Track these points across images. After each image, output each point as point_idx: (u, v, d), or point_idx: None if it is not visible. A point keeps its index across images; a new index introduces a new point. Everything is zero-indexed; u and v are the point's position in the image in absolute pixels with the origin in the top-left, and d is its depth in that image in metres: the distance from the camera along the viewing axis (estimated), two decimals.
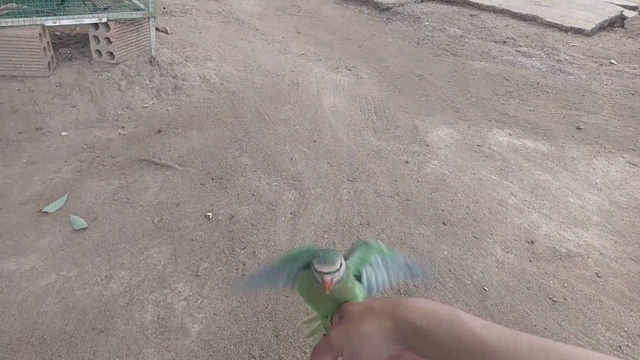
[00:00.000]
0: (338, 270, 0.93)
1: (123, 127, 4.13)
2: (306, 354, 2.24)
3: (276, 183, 3.52)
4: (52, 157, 3.62)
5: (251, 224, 3.09)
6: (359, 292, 0.96)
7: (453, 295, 2.64)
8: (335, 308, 0.92)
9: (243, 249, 2.88)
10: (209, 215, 3.13)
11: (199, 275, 2.67)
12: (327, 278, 0.89)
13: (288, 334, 2.34)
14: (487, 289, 2.71)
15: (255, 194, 3.39)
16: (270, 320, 2.41)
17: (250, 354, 2.23)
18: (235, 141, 4.05)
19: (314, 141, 4.13)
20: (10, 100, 3.90)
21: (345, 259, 0.99)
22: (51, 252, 2.76)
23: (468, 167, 3.90)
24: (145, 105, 4.52)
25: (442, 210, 3.32)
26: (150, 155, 3.73)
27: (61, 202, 3.15)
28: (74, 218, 3.00)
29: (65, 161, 3.60)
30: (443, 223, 3.20)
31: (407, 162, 3.88)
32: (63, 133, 3.95)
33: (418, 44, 6.96)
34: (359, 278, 1.00)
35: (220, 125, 4.29)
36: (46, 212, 3.05)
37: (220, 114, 4.47)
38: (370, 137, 4.25)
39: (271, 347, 2.27)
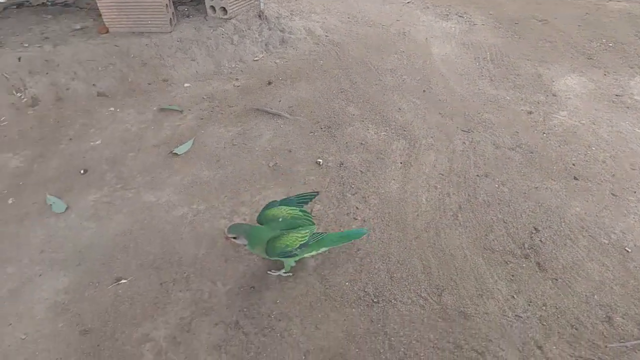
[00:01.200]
0: (236, 238, 2.26)
1: (237, 79, 4.34)
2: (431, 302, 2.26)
3: (384, 133, 3.50)
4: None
5: (360, 171, 3.13)
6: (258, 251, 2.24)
7: (587, 254, 2.47)
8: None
9: (354, 194, 2.93)
10: (319, 162, 3.22)
11: (313, 216, 2.78)
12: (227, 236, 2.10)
13: (402, 276, 2.38)
14: (630, 250, 2.49)
15: (363, 143, 3.40)
16: (383, 263, 2.46)
17: (365, 292, 2.31)
18: (342, 92, 4.06)
19: (423, 91, 3.99)
20: (140, 55, 4.27)
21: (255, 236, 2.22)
22: (183, 188, 3.05)
23: (604, 118, 3.53)
24: (256, 59, 4.68)
25: (574, 165, 3.07)
26: (262, 105, 3.89)
27: (188, 145, 3.45)
28: (50, 198, 2.96)
29: (189, 110, 3.90)
30: (574, 178, 2.96)
31: (530, 112, 3.61)
32: (185, 84, 4.25)
33: None
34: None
35: (326, 76, 4.32)
36: (176, 154, 3.36)
37: (326, 66, 4.49)
38: (486, 87, 4.00)
39: (385, 287, 2.33)
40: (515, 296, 2.25)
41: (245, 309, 2.27)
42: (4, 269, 2.52)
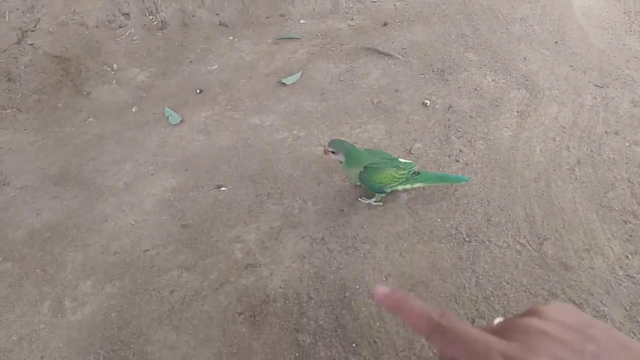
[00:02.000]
0: (335, 153, 2.26)
1: (352, 19, 4.26)
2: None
3: (503, 81, 3.22)
4: (291, 40, 3.98)
5: (470, 116, 2.92)
6: (351, 173, 2.29)
7: None
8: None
9: (459, 137, 2.76)
10: (427, 103, 3.07)
11: (411, 153, 2.69)
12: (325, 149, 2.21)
13: (500, 221, 2.21)
14: None
15: (478, 89, 3.17)
16: (482, 206, 2.31)
17: (457, 230, 2.19)
18: (462, 37, 3.79)
19: (555, 42, 3.58)
20: None
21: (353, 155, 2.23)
22: (286, 115, 3.11)
23: None
24: (374, 0, 4.54)
25: None
26: (374, 45, 3.78)
27: (296, 77, 3.49)
28: (168, 111, 3.20)
29: (302, 45, 3.93)
30: None
31: None
32: (301, 21, 4.28)
33: None
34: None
35: (447, 21, 4.06)
36: (284, 84, 3.42)
37: (448, 10, 4.21)
38: (634, 43, 3.47)
39: (480, 228, 2.19)
40: (630, 256, 1.98)
41: (332, 228, 2.28)
42: (123, 165, 2.82)
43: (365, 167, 2.23)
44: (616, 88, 2.99)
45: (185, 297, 2.02)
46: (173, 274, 2.13)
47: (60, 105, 3.32)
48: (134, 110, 3.28)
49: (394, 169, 2.23)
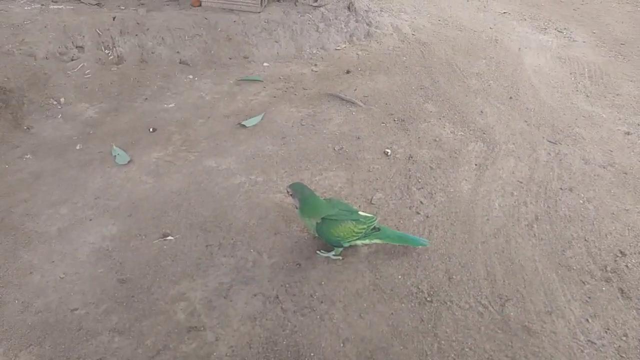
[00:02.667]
0: (292, 196, 2.22)
1: (316, 65, 4.26)
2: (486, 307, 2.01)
3: (461, 133, 3.25)
4: (253, 82, 3.91)
5: (430, 167, 2.90)
6: (306, 221, 2.20)
7: None
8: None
9: (420, 188, 2.72)
10: (388, 152, 3.04)
11: (372, 204, 2.61)
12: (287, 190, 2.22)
13: (462, 279, 2.13)
14: None
15: (437, 140, 3.17)
16: (442, 262, 2.23)
17: (419, 288, 2.09)
18: (422, 88, 3.85)
19: (510, 98, 3.69)
20: (227, 30, 4.32)
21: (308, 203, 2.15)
22: (244, 159, 2.99)
23: None
24: (338, 48, 4.59)
25: None
26: (337, 92, 3.77)
27: (257, 119, 3.39)
28: (116, 150, 3.00)
29: (264, 87, 3.86)
30: None
31: (628, 133, 3.20)
32: (265, 64, 4.24)
33: None
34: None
35: (407, 72, 4.13)
36: (244, 126, 3.31)
37: (409, 62, 4.30)
38: (580, 102, 3.62)
39: (442, 287, 2.10)
40: (589, 320, 1.94)
41: (287, 285, 2.13)
42: (58, 209, 2.57)
43: (323, 219, 2.12)
44: (568, 145, 3.07)
45: None
46: (103, 339, 1.88)
47: None
48: (78, 147, 3.05)
49: (354, 222, 2.13)
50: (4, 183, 2.72)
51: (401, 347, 1.84)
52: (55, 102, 3.43)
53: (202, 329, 1.92)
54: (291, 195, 2.18)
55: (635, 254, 2.25)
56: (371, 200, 2.63)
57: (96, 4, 4.27)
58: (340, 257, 2.25)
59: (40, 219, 2.48)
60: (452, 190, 2.70)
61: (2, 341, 1.86)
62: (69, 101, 3.47)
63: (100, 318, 1.96)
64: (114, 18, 4.00)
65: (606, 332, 1.90)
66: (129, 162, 2.93)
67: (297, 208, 2.19)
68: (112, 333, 1.90)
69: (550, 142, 3.11)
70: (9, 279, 2.13)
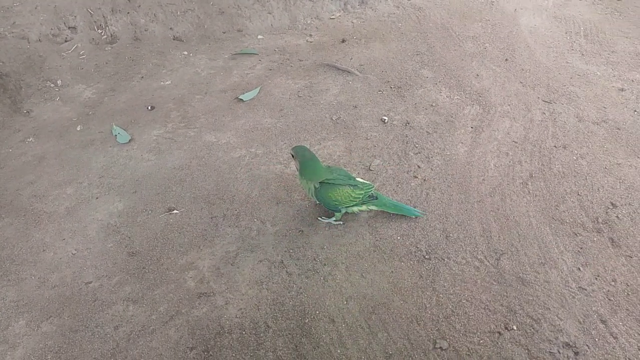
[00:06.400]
0: (293, 158, 2.27)
1: (310, 35, 4.25)
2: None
3: (457, 97, 3.27)
4: (248, 56, 3.91)
5: (427, 132, 2.94)
6: (305, 184, 2.26)
7: None
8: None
9: (417, 153, 2.77)
10: (385, 119, 3.07)
11: (371, 170, 2.66)
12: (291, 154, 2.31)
13: (458, 237, 2.20)
14: None
15: (433, 105, 3.20)
16: (440, 222, 2.29)
17: (417, 247, 2.17)
18: (417, 54, 3.85)
19: (506, 60, 3.69)
20: (219, 3, 4.28)
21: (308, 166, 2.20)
22: (243, 132, 3.03)
23: None
24: (332, 17, 4.56)
25: None
26: (333, 61, 3.77)
27: (254, 93, 3.42)
28: (116, 129, 3.02)
29: (259, 60, 3.87)
30: None
31: (622, 90, 3.22)
32: (259, 36, 4.22)
33: None
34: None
35: (403, 38, 4.11)
36: (241, 100, 3.34)
37: (404, 28, 4.28)
38: (575, 61, 3.62)
39: (439, 245, 2.17)
40: (581, 268, 2.02)
41: (291, 250, 2.20)
42: (64, 189, 2.63)
43: (321, 183, 2.18)
44: (562, 104, 3.10)
45: (131, 333, 1.88)
46: (118, 308, 1.98)
47: None
48: (78, 128, 3.10)
49: (351, 187, 2.19)
50: (9, 166, 2.78)
51: (401, 302, 1.92)
52: (52, 85, 3.46)
53: (212, 294, 2.01)
54: (293, 156, 2.24)
55: (625, 205, 2.31)
56: (369, 167, 2.68)
57: None
58: (341, 222, 2.32)
59: (48, 200, 2.55)
60: (448, 153, 2.75)
61: (23, 314, 1.96)
62: (65, 83, 3.50)
63: (114, 289, 2.05)
64: None
65: (596, 278, 1.98)
66: (129, 140, 2.98)
67: (297, 170, 2.26)
68: (126, 302, 1.99)
69: (545, 101, 3.14)
70: (24, 256, 2.21)
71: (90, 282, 2.09)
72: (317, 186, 2.19)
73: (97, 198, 2.56)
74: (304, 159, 2.18)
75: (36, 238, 2.31)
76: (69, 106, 3.30)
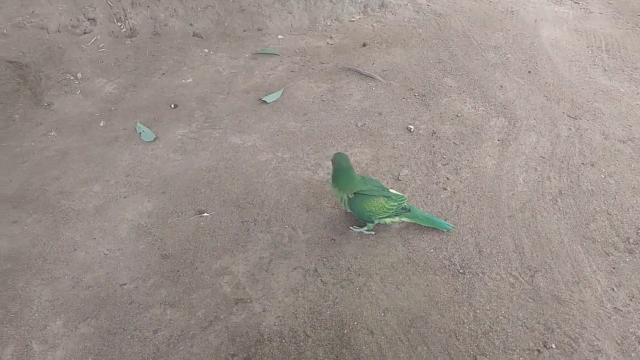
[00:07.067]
0: (333, 163, 2.25)
1: (331, 37, 4.23)
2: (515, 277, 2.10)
3: (482, 108, 3.28)
4: (269, 56, 3.89)
5: (454, 143, 2.95)
6: (337, 194, 2.25)
7: None
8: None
9: (445, 164, 2.77)
10: (410, 128, 3.07)
11: (399, 180, 2.66)
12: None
13: (491, 252, 2.21)
14: None
15: (459, 115, 3.21)
16: (472, 236, 2.31)
17: (451, 261, 2.18)
18: (440, 62, 3.85)
19: (529, 72, 3.70)
20: (239, 0, 4.24)
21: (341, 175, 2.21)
22: (268, 135, 3.01)
23: None
24: (352, 19, 4.54)
25: None
26: (355, 66, 3.77)
27: (277, 95, 3.40)
28: (140, 126, 3.00)
29: (281, 61, 3.85)
30: None
31: None
32: (279, 36, 4.20)
33: None
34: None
35: (424, 45, 4.11)
36: (265, 102, 3.32)
37: (425, 35, 4.27)
38: (598, 76, 3.65)
39: (473, 260, 2.18)
40: (615, 289, 2.04)
41: (324, 259, 2.20)
42: (91, 187, 2.61)
43: (355, 194, 2.18)
44: (588, 120, 3.12)
45: (171, 337, 1.86)
46: (155, 311, 1.96)
47: (17, 116, 3.04)
48: (101, 124, 3.06)
49: (385, 199, 2.19)
50: (32, 161, 2.75)
51: (439, 316, 1.93)
52: (72, 78, 3.41)
53: (249, 300, 2.00)
54: (332, 161, 2.24)
55: None
56: (398, 177, 2.68)
57: None
58: (373, 232, 2.32)
59: (75, 197, 2.52)
60: (476, 166, 2.76)
61: (60, 314, 1.94)
62: (86, 76, 3.45)
63: (150, 292, 2.03)
64: None
65: (631, 300, 2.01)
66: (155, 139, 2.95)
67: (330, 178, 2.25)
68: (163, 306, 1.98)
69: (570, 117, 3.16)
70: (55, 255, 2.19)
71: (125, 284, 2.07)
72: (350, 196, 2.19)
73: (125, 197, 2.53)
74: (340, 167, 2.18)
75: (66, 236, 2.28)
76: (90, 100, 3.26)
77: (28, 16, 3.59)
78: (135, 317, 1.93)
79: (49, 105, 3.20)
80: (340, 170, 2.19)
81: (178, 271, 2.14)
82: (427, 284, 2.07)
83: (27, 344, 1.84)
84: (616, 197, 2.51)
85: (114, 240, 2.28)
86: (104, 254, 2.21)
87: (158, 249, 2.25)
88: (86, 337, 1.86)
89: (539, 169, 2.72)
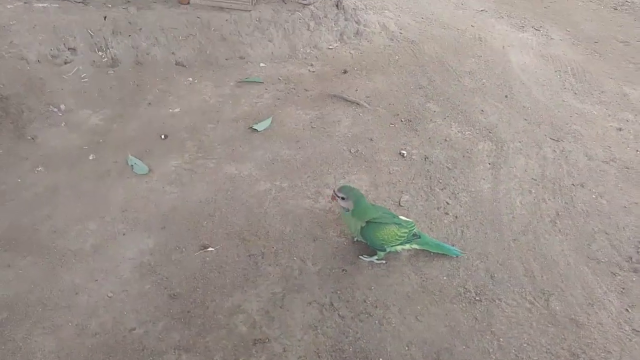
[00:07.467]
0: (344, 199, 2.21)
1: (312, 65, 4.28)
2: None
3: (469, 132, 3.39)
4: (254, 84, 3.88)
5: (447, 167, 3.02)
6: (353, 224, 2.23)
7: None
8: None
9: (442, 189, 2.83)
10: (403, 153, 3.13)
11: (401, 206, 2.69)
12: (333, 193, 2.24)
13: (503, 277, 2.26)
14: None
15: (447, 140, 3.30)
16: (481, 261, 2.35)
17: (465, 288, 2.20)
18: (420, 88, 3.96)
19: (505, 96, 3.87)
20: (220, 29, 4.23)
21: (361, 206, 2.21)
22: (264, 164, 2.98)
23: None
24: (330, 47, 4.61)
25: None
26: (339, 92, 3.82)
27: (267, 123, 3.38)
28: (132, 159, 2.90)
29: (266, 89, 3.84)
30: None
31: (620, 129, 3.46)
32: (261, 64, 4.20)
33: (616, 9, 6.09)
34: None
35: (402, 71, 4.23)
36: (255, 130, 3.29)
37: (402, 61, 4.40)
38: (570, 99, 3.86)
39: (487, 286, 2.22)
40: (629, 310, 2.12)
41: (338, 291, 2.18)
42: (86, 225, 2.48)
43: (367, 222, 2.18)
44: (570, 142, 3.29)
45: None
46: (169, 357, 1.87)
47: (0, 151, 2.86)
48: (91, 157, 2.93)
49: (397, 226, 2.20)
50: (21, 199, 2.58)
51: (463, 347, 1.94)
52: (55, 109, 3.27)
53: (267, 340, 1.94)
54: (342, 198, 2.21)
55: None
56: (399, 203, 2.71)
57: (81, 2, 4.05)
58: (384, 261, 2.32)
59: (70, 236, 2.39)
60: (473, 189, 2.83)
61: None
62: (69, 108, 3.31)
63: (162, 336, 1.93)
64: (104, 17, 3.83)
65: None
66: (148, 172, 2.85)
67: (347, 210, 2.23)
68: (177, 351, 1.88)
69: (552, 139, 3.31)
70: (55, 300, 2.05)
71: (134, 329, 1.96)
72: (363, 225, 2.19)
73: (124, 234, 2.42)
74: (357, 198, 2.18)
75: (66, 279, 2.15)
76: (76, 133, 3.12)
77: (6, 46, 3.43)
78: None
79: (33, 138, 3.03)
80: (358, 200, 2.19)
81: (189, 312, 2.05)
82: (446, 314, 2.08)
83: None
84: (610, 216, 2.63)
85: (118, 281, 2.16)
86: (108, 296, 2.09)
87: (165, 288, 2.15)
88: None
89: (533, 191, 2.82)
